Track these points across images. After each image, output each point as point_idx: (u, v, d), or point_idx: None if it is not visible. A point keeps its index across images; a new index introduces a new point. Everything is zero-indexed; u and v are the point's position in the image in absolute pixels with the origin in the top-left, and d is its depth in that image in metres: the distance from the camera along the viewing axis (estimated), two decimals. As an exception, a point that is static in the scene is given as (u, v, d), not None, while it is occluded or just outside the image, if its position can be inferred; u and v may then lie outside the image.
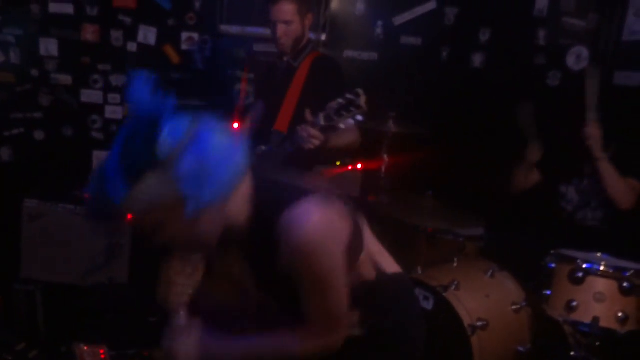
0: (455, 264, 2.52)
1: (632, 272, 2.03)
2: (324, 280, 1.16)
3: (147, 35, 3.43)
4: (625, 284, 2.01)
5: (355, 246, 1.22)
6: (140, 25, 3.42)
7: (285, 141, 2.33)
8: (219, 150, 1.04)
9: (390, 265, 1.40)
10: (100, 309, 3.00)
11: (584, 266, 2.07)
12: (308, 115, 2.15)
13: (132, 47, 3.45)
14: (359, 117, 2.04)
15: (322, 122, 2.09)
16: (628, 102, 3.19)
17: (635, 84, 3.16)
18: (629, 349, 2.23)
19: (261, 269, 1.21)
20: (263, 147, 2.48)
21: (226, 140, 1.06)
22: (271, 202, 1.14)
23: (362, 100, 2.01)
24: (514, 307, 2.36)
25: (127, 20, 3.42)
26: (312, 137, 2.12)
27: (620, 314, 2.02)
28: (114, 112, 3.54)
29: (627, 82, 3.22)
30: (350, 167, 3.20)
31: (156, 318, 2.85)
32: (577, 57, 3.59)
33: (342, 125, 2.08)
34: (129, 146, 1.02)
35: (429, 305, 2.27)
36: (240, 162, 1.08)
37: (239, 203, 1.15)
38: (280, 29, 2.38)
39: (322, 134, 2.14)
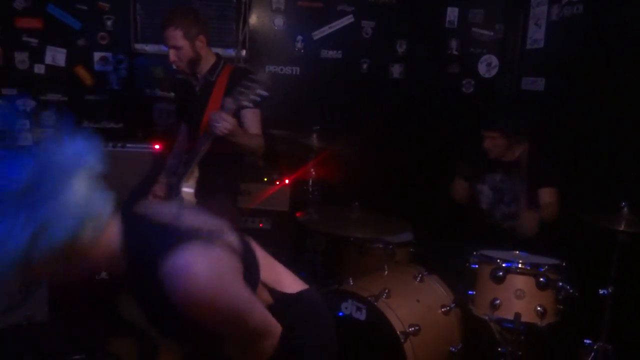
0: (386, 272, 2.55)
1: (546, 267, 2.15)
2: (235, 315, 1.12)
3: (56, 56, 3.26)
4: (541, 279, 2.12)
5: (250, 279, 1.19)
6: (47, 47, 3.24)
7: (201, 140, 2.32)
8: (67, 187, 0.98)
9: (291, 285, 1.38)
10: (19, 352, 2.78)
11: (504, 265, 2.16)
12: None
13: (39, 69, 3.25)
14: (263, 92, 2.13)
15: (230, 105, 2.17)
16: (535, 106, 3.42)
17: (540, 89, 3.38)
18: (550, 340, 2.36)
19: (151, 308, 1.18)
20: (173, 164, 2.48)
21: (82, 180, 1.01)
22: (147, 246, 1.08)
23: (263, 76, 2.15)
24: (443, 309, 2.42)
25: (33, 41, 3.23)
26: (223, 119, 2.16)
27: (539, 308, 2.12)
28: (23, 138, 3.31)
29: (533, 87, 3.44)
30: (278, 183, 3.18)
31: (81, 356, 2.68)
32: (488, 65, 3.81)
33: (249, 104, 2.16)
34: None
35: (361, 315, 2.28)
36: (91, 202, 1.02)
37: (106, 244, 1.08)
38: (172, 53, 2.45)
39: (233, 118, 2.20)
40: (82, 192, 1.00)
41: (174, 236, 1.07)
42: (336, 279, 2.67)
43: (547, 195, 2.71)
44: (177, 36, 2.40)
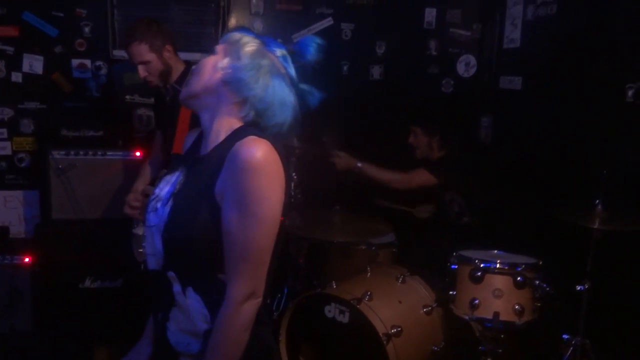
0: (368, 274, 2.59)
1: (523, 266, 2.20)
2: (257, 203, 1.14)
3: (33, 64, 3.23)
4: (519, 278, 2.17)
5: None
6: (24, 54, 3.21)
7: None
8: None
9: None
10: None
11: (482, 265, 2.21)
12: None
13: (16, 77, 3.22)
14: None
15: None
16: (512, 104, 3.47)
17: (518, 87, 3.43)
18: (529, 337, 2.42)
19: (199, 185, 1.22)
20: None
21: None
22: (242, 133, 1.21)
23: None
24: (425, 309, 2.46)
25: (9, 49, 3.19)
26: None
27: (517, 307, 2.17)
28: (1, 147, 3.28)
29: (510, 85, 3.49)
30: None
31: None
32: (466, 65, 3.85)
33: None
34: None
35: (344, 318, 2.32)
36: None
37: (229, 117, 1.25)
38: (141, 70, 2.41)
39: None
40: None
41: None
42: (320, 283, 2.70)
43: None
44: (142, 50, 2.36)
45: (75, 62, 3.28)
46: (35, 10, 3.17)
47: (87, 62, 3.30)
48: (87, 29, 3.27)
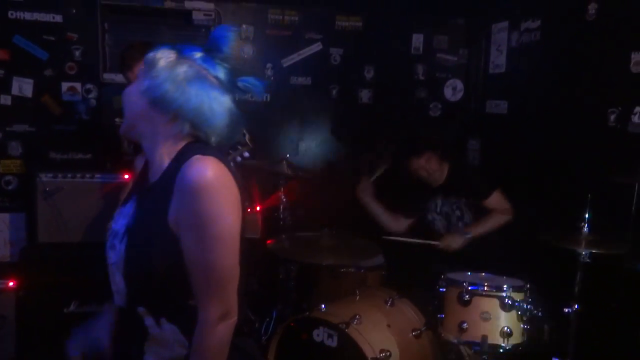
0: (357, 297, 2.57)
1: (510, 289, 2.20)
2: (214, 224, 1.12)
3: (23, 87, 3.23)
4: (506, 301, 2.17)
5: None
6: (14, 77, 3.22)
7: None
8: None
9: None
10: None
11: (470, 288, 2.21)
12: None
13: (5, 100, 3.22)
14: (246, 154, 2.22)
15: None
16: (498, 128, 3.52)
17: (503, 111, 3.49)
18: (519, 359, 2.40)
19: (151, 217, 1.19)
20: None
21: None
22: (188, 153, 1.19)
23: (247, 138, 2.23)
24: (414, 333, 2.44)
25: (0, 72, 3.20)
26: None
27: (505, 329, 2.17)
28: (-12, 170, 3.26)
29: (496, 110, 3.55)
30: (249, 210, 3.18)
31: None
32: (453, 89, 3.91)
33: (231, 163, 2.16)
34: None
35: (333, 342, 2.29)
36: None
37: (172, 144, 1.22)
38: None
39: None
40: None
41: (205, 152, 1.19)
42: (308, 306, 2.68)
43: (495, 201, 2.82)
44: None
45: (65, 85, 3.30)
46: (27, 34, 3.20)
47: (77, 86, 3.32)
48: (77, 53, 3.29)
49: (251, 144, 2.21)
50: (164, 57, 1.20)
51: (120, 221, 1.27)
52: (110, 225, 1.30)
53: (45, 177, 2.94)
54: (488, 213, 2.82)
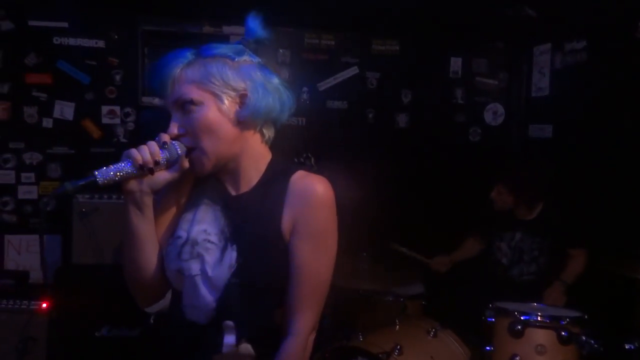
0: (397, 327, 2.43)
1: (567, 320, 2.03)
2: (330, 237, 1.19)
3: (64, 110, 3.29)
4: (563, 333, 2.00)
5: None
6: (56, 101, 3.29)
7: None
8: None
9: None
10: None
11: (522, 318, 2.05)
12: None
13: (47, 123, 3.28)
14: None
15: None
16: (543, 152, 3.37)
17: (548, 136, 3.35)
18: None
19: (261, 225, 1.18)
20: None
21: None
22: (281, 167, 1.24)
23: (312, 161, 2.46)
24: (459, 366, 2.28)
25: (43, 95, 3.27)
26: None
27: (562, 364, 1.99)
28: (28, 191, 3.30)
29: (540, 134, 3.41)
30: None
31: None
32: (494, 113, 3.80)
33: None
34: None
35: (372, 374, 2.15)
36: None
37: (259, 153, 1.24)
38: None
39: None
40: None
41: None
42: (345, 335, 2.55)
43: (576, 256, 2.66)
44: None
45: (105, 108, 3.35)
46: (69, 59, 3.28)
47: (117, 109, 3.36)
48: (117, 77, 3.35)
49: (316, 166, 2.33)
50: (227, 64, 1.16)
51: (194, 228, 1.18)
52: (178, 234, 1.19)
53: (82, 198, 2.94)
54: (569, 257, 2.66)
